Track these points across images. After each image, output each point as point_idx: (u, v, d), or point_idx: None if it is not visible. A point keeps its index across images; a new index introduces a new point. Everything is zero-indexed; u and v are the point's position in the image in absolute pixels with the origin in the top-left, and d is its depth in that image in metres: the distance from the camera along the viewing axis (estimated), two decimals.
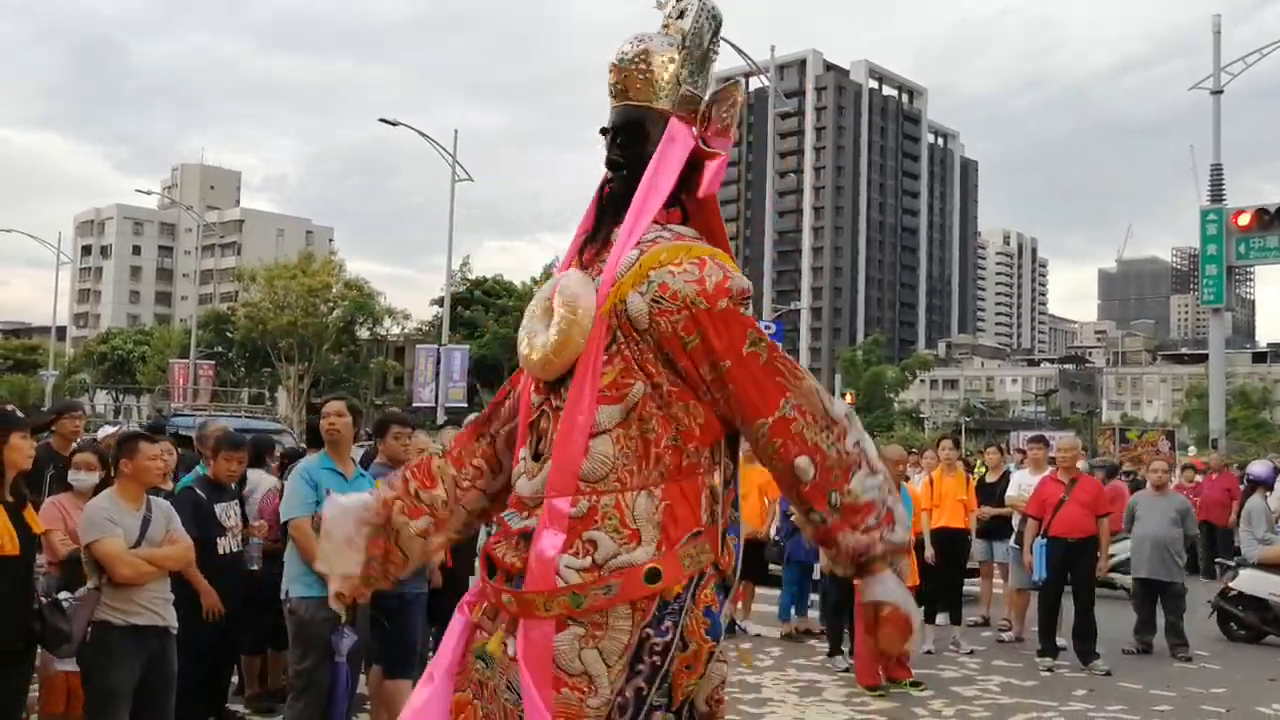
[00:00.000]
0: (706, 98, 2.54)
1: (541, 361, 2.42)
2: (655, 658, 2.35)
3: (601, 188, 2.55)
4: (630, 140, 2.51)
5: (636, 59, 2.52)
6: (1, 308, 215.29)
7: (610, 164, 2.52)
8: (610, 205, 2.51)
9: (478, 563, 2.62)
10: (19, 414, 4.42)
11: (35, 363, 69.91)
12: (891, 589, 2.46)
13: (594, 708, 2.28)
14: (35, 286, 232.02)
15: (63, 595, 4.36)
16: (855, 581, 2.59)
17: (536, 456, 2.45)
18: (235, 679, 6.03)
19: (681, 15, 2.56)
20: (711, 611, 2.42)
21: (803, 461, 2.39)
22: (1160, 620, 8.97)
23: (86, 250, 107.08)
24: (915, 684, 7.35)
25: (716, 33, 2.60)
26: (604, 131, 2.58)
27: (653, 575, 2.32)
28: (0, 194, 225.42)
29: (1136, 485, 13.85)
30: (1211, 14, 23.59)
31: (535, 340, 2.44)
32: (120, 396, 68.09)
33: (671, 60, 2.52)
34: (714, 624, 2.43)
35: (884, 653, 2.49)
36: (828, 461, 2.40)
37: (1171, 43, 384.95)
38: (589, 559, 2.31)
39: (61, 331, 79.61)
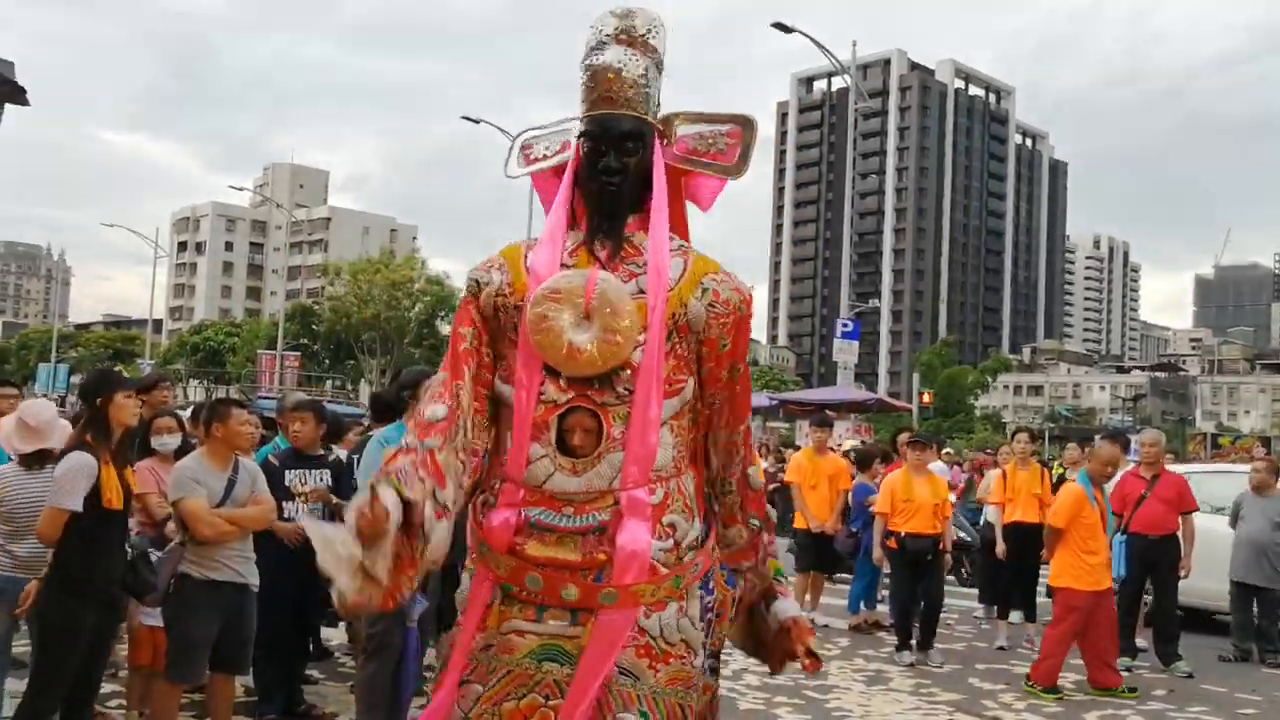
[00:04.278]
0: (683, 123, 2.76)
1: (589, 363, 2.46)
2: (710, 614, 2.65)
3: (601, 190, 2.62)
4: (632, 149, 2.63)
5: (640, 76, 2.66)
6: (105, 300, 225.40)
7: (611, 170, 2.61)
8: (610, 207, 2.63)
9: (477, 566, 2.55)
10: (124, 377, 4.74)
11: (133, 352, 72.68)
12: (794, 604, 2.97)
13: (698, 668, 2.56)
14: (135, 281, 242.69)
15: (152, 552, 4.60)
16: (764, 603, 2.93)
17: (569, 452, 2.48)
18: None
19: (648, 33, 2.71)
20: (725, 566, 2.75)
21: (755, 470, 2.78)
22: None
23: (182, 246, 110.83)
24: (1131, 690, 7.03)
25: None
26: (591, 136, 2.64)
27: (712, 547, 2.68)
28: (104, 193, 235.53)
29: None
30: None
31: (578, 338, 2.46)
32: (211, 385, 70.39)
33: (655, 80, 2.70)
34: (728, 576, 2.78)
35: (808, 654, 2.86)
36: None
37: (1276, 35, 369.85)
38: (670, 540, 2.53)
39: (158, 324, 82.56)
